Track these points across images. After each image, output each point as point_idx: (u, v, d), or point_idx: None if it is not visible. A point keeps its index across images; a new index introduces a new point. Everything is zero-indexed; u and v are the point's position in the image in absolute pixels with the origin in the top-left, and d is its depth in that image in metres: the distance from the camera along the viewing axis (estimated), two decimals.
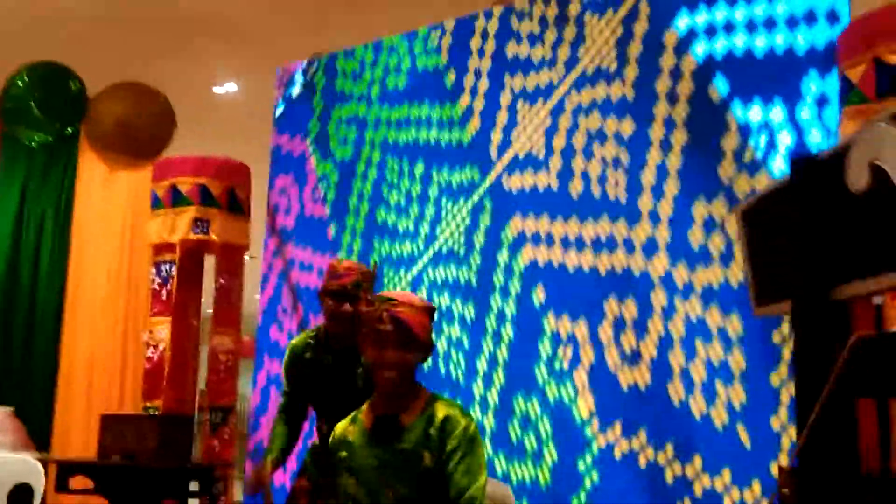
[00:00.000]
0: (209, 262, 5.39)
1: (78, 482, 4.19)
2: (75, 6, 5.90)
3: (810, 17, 3.50)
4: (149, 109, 5.73)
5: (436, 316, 2.36)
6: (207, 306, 5.47)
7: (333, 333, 3.15)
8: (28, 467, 3.77)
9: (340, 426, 2.37)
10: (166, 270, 5.17)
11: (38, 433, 5.02)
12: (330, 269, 3.17)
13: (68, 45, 6.02)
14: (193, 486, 4.47)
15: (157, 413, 4.88)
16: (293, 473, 3.41)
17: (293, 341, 3.32)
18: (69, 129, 5.68)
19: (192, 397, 5.35)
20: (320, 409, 3.27)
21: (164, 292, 5.15)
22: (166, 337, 5.08)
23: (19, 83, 5.62)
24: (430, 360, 2.40)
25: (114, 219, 5.62)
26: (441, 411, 2.21)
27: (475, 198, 4.32)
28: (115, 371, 5.45)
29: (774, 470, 3.18)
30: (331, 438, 2.37)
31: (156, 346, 5.10)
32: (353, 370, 3.12)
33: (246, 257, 5.44)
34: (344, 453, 2.28)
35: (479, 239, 4.28)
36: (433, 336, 2.31)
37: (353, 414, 2.39)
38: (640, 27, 3.90)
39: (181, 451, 4.29)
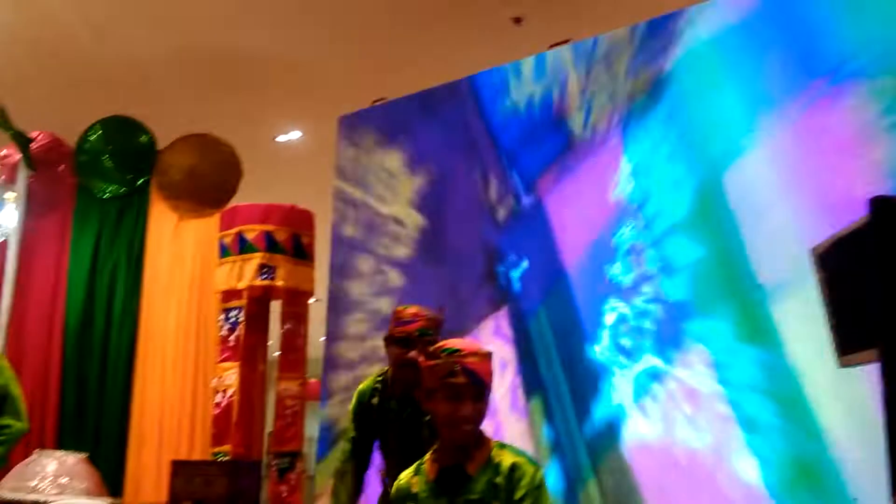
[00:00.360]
0: (275, 307, 5.47)
1: None
2: (143, 59, 6.13)
3: None
4: (216, 159, 5.88)
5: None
6: (273, 350, 5.54)
7: (399, 380, 3.13)
8: None
9: (404, 476, 2.35)
10: (234, 317, 5.25)
11: (110, 479, 5.10)
12: (396, 314, 3.15)
13: (135, 97, 6.24)
14: None
15: (226, 458, 4.92)
16: None
17: (360, 386, 3.31)
18: (140, 180, 5.85)
19: (260, 442, 5.40)
20: (388, 455, 3.25)
21: (232, 338, 5.23)
22: (234, 382, 5.15)
23: (92, 137, 5.82)
24: None
25: (183, 267, 5.75)
26: (507, 460, 2.19)
27: None
28: (184, 416, 5.52)
29: None
30: (394, 489, 2.35)
31: (224, 392, 5.17)
32: (419, 418, 3.05)
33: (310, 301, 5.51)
34: None
35: None
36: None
37: (416, 464, 2.37)
38: None
39: (249, 498, 4.30)
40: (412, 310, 3.15)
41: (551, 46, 4.37)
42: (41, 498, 4.04)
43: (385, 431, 3.21)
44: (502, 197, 4.16)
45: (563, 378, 3.50)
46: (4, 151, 5.57)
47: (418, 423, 3.07)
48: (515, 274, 3.86)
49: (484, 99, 4.54)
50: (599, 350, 3.46)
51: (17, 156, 5.53)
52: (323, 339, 5.24)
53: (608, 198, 3.63)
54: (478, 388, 2.21)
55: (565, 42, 4.34)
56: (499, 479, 2.16)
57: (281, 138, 7.50)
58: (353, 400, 3.29)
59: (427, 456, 2.33)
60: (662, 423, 3.24)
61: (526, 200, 4.03)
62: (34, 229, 5.58)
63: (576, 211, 3.70)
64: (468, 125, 4.58)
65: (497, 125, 4.41)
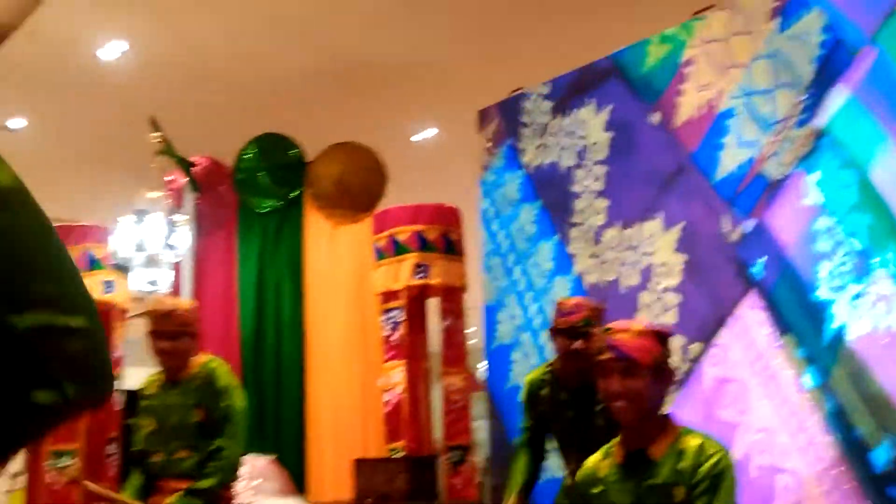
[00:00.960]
0: (432, 305, 5.60)
1: None
2: (284, 76, 6.38)
3: None
4: (362, 166, 6.06)
5: (669, 340, 2.30)
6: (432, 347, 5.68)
7: (567, 371, 3.17)
8: None
9: (592, 461, 2.37)
10: (394, 317, 5.41)
11: (293, 479, 5.36)
12: (559, 306, 3.19)
13: (279, 112, 6.51)
14: None
15: (401, 454, 5.09)
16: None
17: (529, 376, 3.37)
18: (294, 193, 6.11)
19: (430, 437, 5.55)
20: (564, 445, 3.28)
21: (394, 338, 5.40)
22: (402, 380, 5.32)
23: (247, 156, 6.12)
24: None
25: (342, 272, 5.96)
26: (692, 444, 2.17)
27: None
28: (357, 415, 5.73)
29: None
30: (582, 473, 2.37)
31: (392, 390, 5.35)
32: (591, 408, 3.09)
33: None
34: (597, 489, 2.28)
35: None
36: (668, 361, 2.25)
37: (604, 448, 2.38)
38: None
39: (429, 491, 4.45)
40: (574, 301, 3.21)
41: (696, 13, 4.25)
42: (239, 500, 4.29)
43: (557, 422, 3.25)
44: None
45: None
46: (171, 177, 5.93)
47: (591, 413, 3.09)
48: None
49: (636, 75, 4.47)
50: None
51: (183, 180, 5.89)
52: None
53: None
54: (624, 363, 2.18)
55: (709, 8, 4.21)
56: (683, 465, 2.14)
57: (416, 138, 7.63)
58: (524, 390, 3.35)
59: (615, 440, 2.34)
60: None
61: None
62: (204, 248, 5.93)
63: None
64: (622, 102, 4.51)
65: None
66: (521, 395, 3.37)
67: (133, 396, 6.58)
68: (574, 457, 3.18)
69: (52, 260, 0.84)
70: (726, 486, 2.13)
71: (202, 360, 3.45)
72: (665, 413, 2.28)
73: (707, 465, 2.12)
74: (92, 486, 4.89)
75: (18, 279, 0.78)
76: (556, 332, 3.14)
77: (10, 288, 0.77)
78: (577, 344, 3.06)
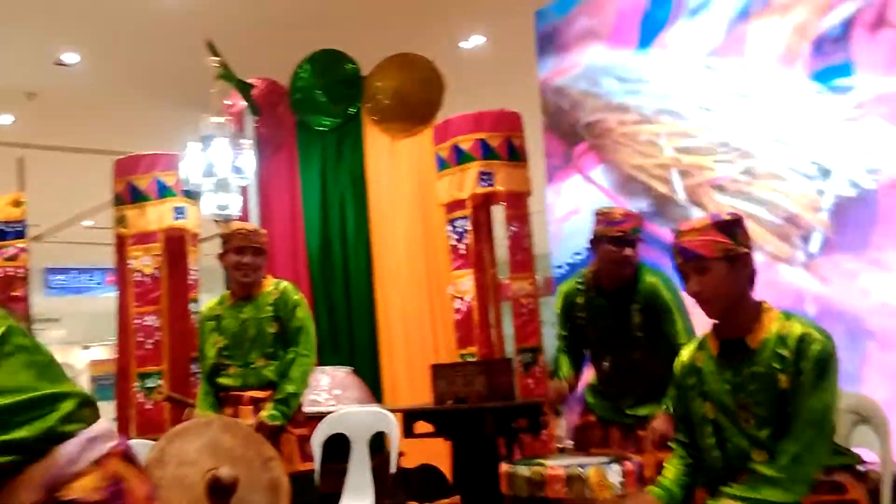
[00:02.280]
0: (498, 212, 5.63)
1: (420, 427, 4.59)
2: None
3: None
4: (418, 77, 6.03)
5: (735, 226, 2.24)
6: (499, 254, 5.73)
7: (610, 277, 3.28)
8: (383, 418, 4.19)
9: (686, 353, 2.40)
10: (461, 226, 5.46)
11: (370, 388, 5.53)
12: (605, 216, 3.29)
13: (330, 29, 6.45)
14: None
15: (473, 359, 5.21)
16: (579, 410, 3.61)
17: (562, 288, 3.52)
18: (351, 108, 6.12)
19: (501, 341, 5.66)
20: (599, 348, 3.43)
21: (461, 246, 5.46)
22: (470, 288, 5.40)
23: (303, 74, 6.12)
24: None
25: (403, 185, 6.01)
26: (795, 331, 2.15)
27: None
28: (425, 325, 5.86)
29: None
30: (678, 365, 2.42)
31: (462, 298, 5.43)
32: (628, 309, 3.26)
33: None
34: (693, 380, 2.31)
35: None
36: (740, 247, 2.21)
37: (697, 340, 2.42)
38: None
39: (506, 392, 4.55)
40: (621, 210, 3.35)
41: None
42: (324, 409, 4.48)
43: (596, 326, 3.38)
44: None
45: None
46: (230, 101, 5.97)
47: (627, 314, 3.26)
48: None
49: None
50: None
51: (242, 104, 5.93)
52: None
53: None
54: (694, 262, 2.21)
55: None
56: (785, 352, 2.13)
57: (466, 45, 7.53)
58: (559, 301, 3.51)
59: (707, 332, 2.37)
60: None
61: None
62: (267, 171, 6.01)
63: None
64: None
65: None
66: (556, 306, 3.53)
67: None
68: (611, 356, 3.37)
69: None
70: (831, 374, 2.13)
71: (273, 280, 3.75)
72: (760, 300, 2.27)
73: (813, 351, 2.11)
74: (178, 395, 5.16)
75: None
76: (604, 239, 3.23)
77: None
78: (628, 251, 3.19)
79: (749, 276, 2.24)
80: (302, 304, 3.71)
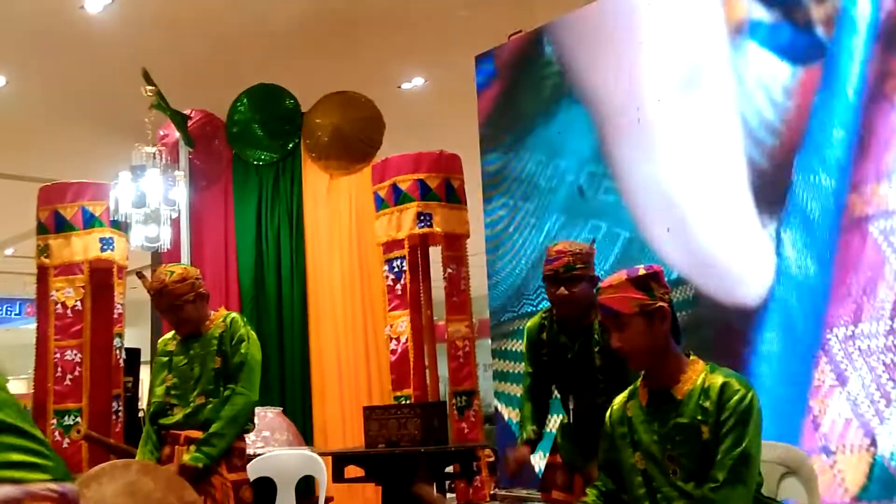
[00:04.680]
0: (435, 253, 5.60)
1: (350, 471, 4.48)
2: (275, 26, 6.25)
3: None
4: (358, 115, 6.01)
5: (650, 280, 2.25)
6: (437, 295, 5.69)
7: (559, 316, 3.22)
8: (311, 461, 4.07)
9: (619, 401, 2.39)
10: (398, 266, 5.41)
11: (301, 430, 5.40)
12: (546, 253, 3.23)
13: (272, 64, 6.40)
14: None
15: (409, 401, 5.12)
16: (545, 451, 3.53)
17: (528, 324, 3.41)
18: (290, 143, 6.04)
19: (436, 384, 5.60)
20: (564, 387, 3.33)
21: (398, 287, 5.40)
22: (406, 329, 5.33)
23: (241, 107, 6.04)
24: None
25: (341, 223, 5.94)
26: (717, 382, 2.17)
27: None
28: (360, 365, 5.76)
29: None
30: (610, 413, 2.40)
31: (398, 339, 5.36)
32: (589, 349, 3.16)
33: None
34: (624, 429, 2.31)
35: None
36: (657, 301, 2.22)
37: (630, 388, 2.41)
38: None
39: (439, 436, 4.48)
40: (558, 247, 3.22)
41: None
42: (251, 451, 4.32)
43: (559, 364, 3.30)
44: None
45: None
46: (163, 132, 5.84)
47: (589, 354, 3.15)
48: None
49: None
50: None
51: (176, 135, 5.81)
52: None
53: None
54: (613, 319, 2.24)
55: None
56: (707, 403, 2.15)
57: (406, 86, 7.55)
58: (525, 337, 3.40)
59: (638, 381, 2.36)
60: None
61: None
62: (201, 203, 5.87)
63: None
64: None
65: None
66: (524, 342, 3.43)
67: (133, 354, 6.62)
68: (574, 398, 3.27)
69: None
70: (753, 423, 2.13)
71: (223, 313, 3.52)
72: (686, 352, 2.29)
73: (732, 402, 2.12)
74: (97, 435, 4.94)
75: None
76: (543, 279, 3.19)
77: None
78: (562, 290, 3.09)
79: (668, 328, 2.25)
80: (248, 338, 3.46)
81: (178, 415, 3.42)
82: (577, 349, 3.20)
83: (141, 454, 3.47)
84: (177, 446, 3.40)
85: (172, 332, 3.55)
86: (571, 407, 3.27)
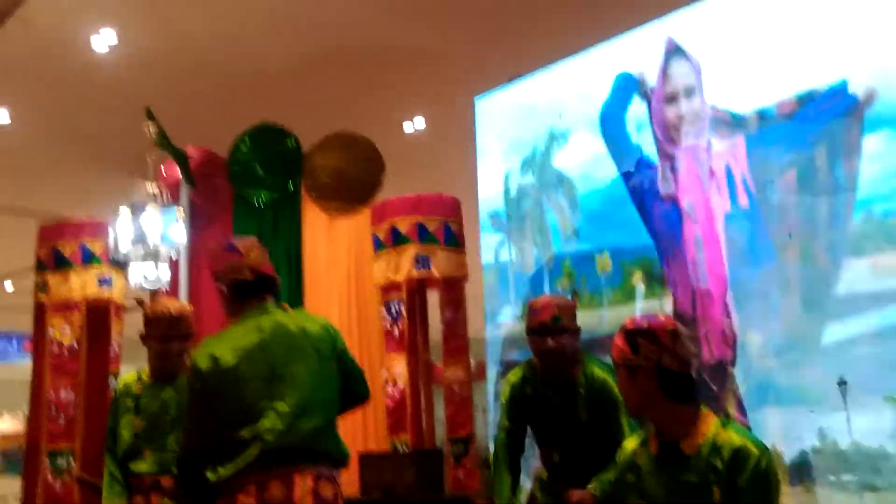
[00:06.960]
0: (433, 296, 5.56)
1: None
2: (275, 66, 6.30)
3: None
4: (359, 156, 5.99)
5: (639, 336, 2.19)
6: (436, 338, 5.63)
7: (544, 369, 3.19)
8: None
9: (629, 446, 2.34)
10: (395, 309, 5.37)
11: None
12: (530, 306, 3.22)
13: (272, 103, 6.43)
14: None
15: (405, 447, 5.05)
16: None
17: (509, 378, 3.37)
18: (290, 183, 6.03)
19: (432, 429, 5.52)
20: (547, 440, 3.30)
21: (395, 330, 5.36)
22: (403, 373, 5.28)
23: (242, 146, 6.03)
24: None
25: (340, 263, 5.90)
26: (729, 442, 2.11)
27: None
28: (357, 409, 5.67)
29: None
30: (621, 456, 2.35)
31: (395, 383, 5.30)
32: (574, 402, 3.15)
33: None
34: (632, 476, 2.26)
35: None
36: (640, 356, 2.17)
37: (643, 435, 2.35)
38: None
39: (436, 484, 4.42)
40: (544, 300, 3.23)
41: None
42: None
43: (541, 419, 3.27)
44: None
45: None
46: (164, 170, 5.83)
47: (574, 408, 3.15)
48: None
49: None
50: None
51: (177, 173, 5.80)
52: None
53: None
54: (618, 369, 2.24)
55: None
56: (719, 463, 2.09)
57: (409, 128, 7.57)
58: (505, 391, 3.36)
59: (651, 428, 2.30)
60: None
61: None
62: (200, 242, 5.84)
63: None
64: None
65: None
66: (503, 397, 3.38)
67: None
68: (555, 452, 3.26)
69: None
70: (772, 491, 2.08)
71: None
72: (698, 406, 2.21)
73: (750, 463, 2.06)
74: (89, 478, 4.86)
75: None
76: (528, 331, 3.16)
77: None
78: (550, 342, 3.08)
79: (656, 386, 2.15)
80: None
81: (150, 459, 3.35)
82: (561, 404, 3.18)
83: (109, 499, 3.35)
84: (152, 494, 3.31)
85: (135, 373, 3.47)
86: (556, 461, 3.24)
